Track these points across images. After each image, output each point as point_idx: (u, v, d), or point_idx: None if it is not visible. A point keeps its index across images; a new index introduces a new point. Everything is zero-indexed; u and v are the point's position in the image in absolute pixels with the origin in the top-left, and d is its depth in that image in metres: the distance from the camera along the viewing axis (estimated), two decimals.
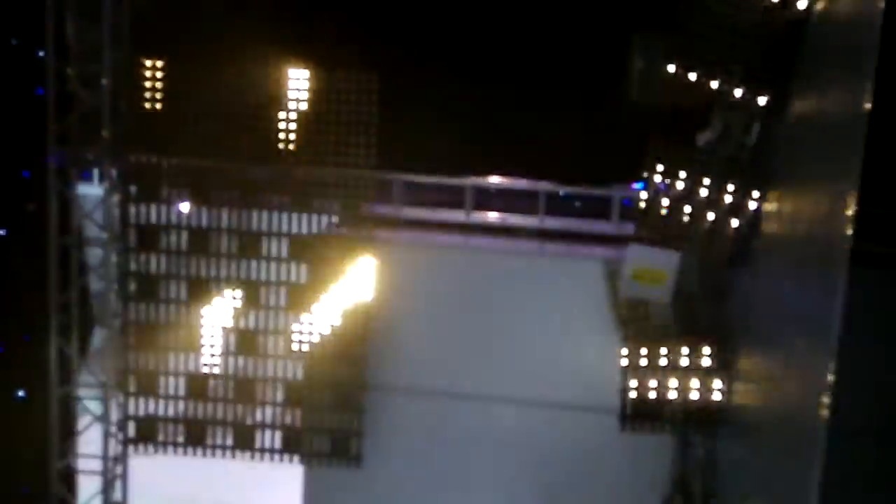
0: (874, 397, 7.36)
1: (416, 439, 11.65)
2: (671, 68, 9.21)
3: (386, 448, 11.44)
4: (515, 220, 12.04)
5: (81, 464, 11.30)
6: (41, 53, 10.37)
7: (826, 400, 6.99)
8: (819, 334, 7.25)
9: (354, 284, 10.89)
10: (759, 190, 9.25)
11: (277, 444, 11.29)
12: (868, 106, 6.68)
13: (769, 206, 9.20)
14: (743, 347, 9.73)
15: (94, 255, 11.08)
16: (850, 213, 6.83)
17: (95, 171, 11.26)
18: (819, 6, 8.32)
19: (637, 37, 9.96)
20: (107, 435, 11.15)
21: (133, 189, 10.87)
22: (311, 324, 10.98)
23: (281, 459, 11.32)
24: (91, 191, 11.22)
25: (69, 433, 11.20)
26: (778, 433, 8.49)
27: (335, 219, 10.89)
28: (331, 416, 11.15)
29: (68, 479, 11.25)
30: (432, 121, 11.04)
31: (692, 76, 9.13)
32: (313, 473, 11.61)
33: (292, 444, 11.27)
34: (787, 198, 8.78)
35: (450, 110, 11.07)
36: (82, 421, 11.31)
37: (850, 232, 6.86)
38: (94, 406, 11.22)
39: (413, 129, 10.98)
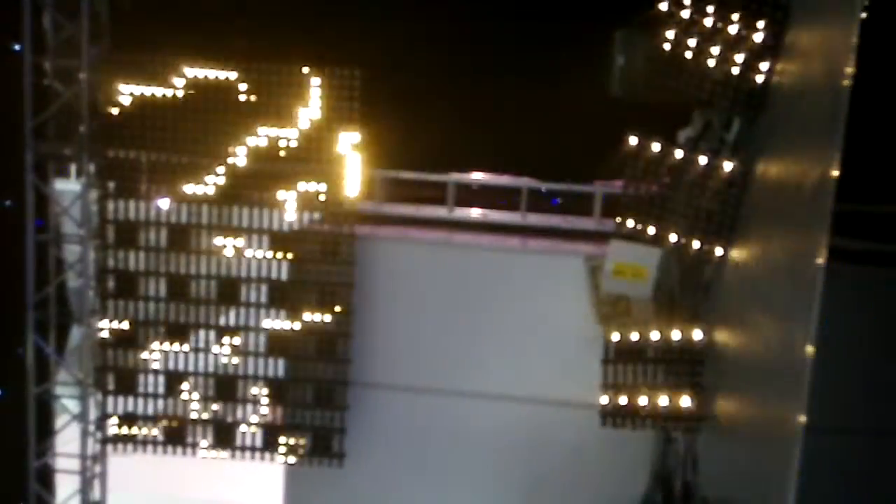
0: (851, 393, 7.43)
1: (399, 436, 11.62)
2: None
3: (368, 445, 11.40)
4: (498, 216, 12.05)
5: (59, 463, 11.19)
6: (17, 47, 10.25)
7: (804, 395, 7.03)
8: (797, 329, 7.29)
9: (336, 280, 10.82)
10: (738, 186, 9.28)
11: (258, 441, 11.22)
12: (846, 101, 6.73)
13: (749, 202, 9.24)
14: (722, 343, 9.77)
15: (71, 251, 10.96)
16: (828, 208, 6.88)
17: (73, 167, 11.16)
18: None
19: (618, 33, 9.97)
20: (85, 433, 11.04)
21: (111, 185, 10.74)
22: (292, 320, 10.93)
23: (262, 457, 11.26)
24: (68, 186, 11.12)
25: (47, 432, 11.09)
26: (757, 429, 8.54)
27: (317, 215, 10.80)
28: (313, 414, 11.09)
29: (46, 478, 11.15)
30: (415, 117, 11.02)
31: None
32: (295, 471, 11.54)
33: (274, 442, 11.20)
34: (766, 193, 8.82)
35: (433, 107, 11.05)
36: (60, 420, 11.20)
37: (827, 228, 6.91)
38: (72, 404, 11.12)
39: (396, 125, 10.94)
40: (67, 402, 11.14)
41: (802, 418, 7.08)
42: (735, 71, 8.90)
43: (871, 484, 8.65)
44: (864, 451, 7.99)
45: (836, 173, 6.77)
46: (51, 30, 10.35)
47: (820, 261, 6.91)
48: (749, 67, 8.85)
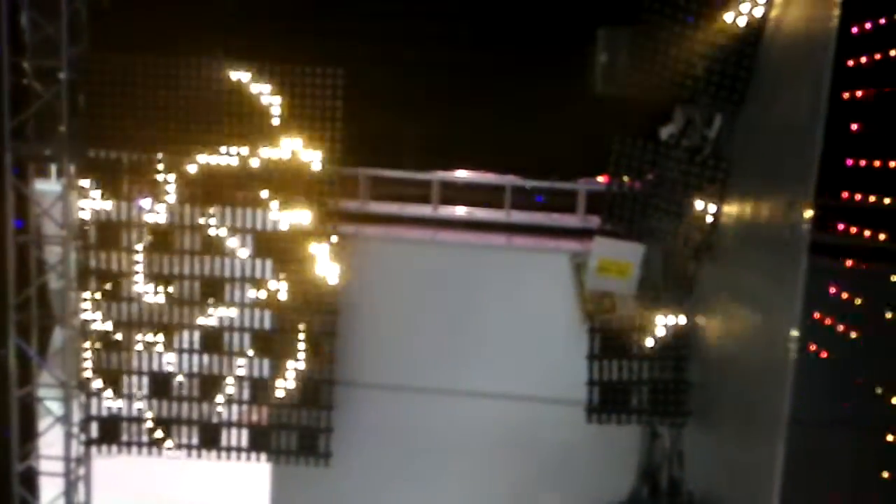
0: (835, 386, 7.50)
1: (386, 435, 11.61)
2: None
3: (355, 444, 11.39)
4: (482, 214, 12.07)
5: (43, 466, 11.11)
6: None
7: (787, 389, 7.08)
8: (781, 324, 7.34)
9: (320, 280, 10.80)
10: (721, 182, 9.35)
11: (244, 442, 11.18)
12: (826, 94, 6.79)
13: (732, 198, 9.30)
14: (707, 339, 9.83)
15: (52, 252, 10.88)
16: (809, 203, 6.93)
17: (53, 167, 11.07)
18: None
19: (601, 31, 10.01)
20: (69, 436, 10.97)
21: (92, 185, 10.65)
22: (277, 320, 10.89)
23: (248, 458, 11.22)
24: (49, 187, 11.04)
25: (30, 435, 11.01)
26: (742, 423, 8.60)
27: (301, 214, 10.76)
28: (298, 413, 11.06)
29: (30, 481, 11.06)
30: (398, 115, 10.99)
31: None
32: (281, 471, 11.51)
33: (259, 442, 11.16)
34: (748, 189, 8.88)
35: (416, 105, 11.04)
36: (43, 422, 11.12)
37: (809, 222, 6.96)
38: (56, 406, 11.03)
39: (379, 124, 10.92)
40: (50, 405, 11.06)
41: (786, 411, 7.14)
42: (715, 67, 8.97)
43: (855, 477, 8.72)
44: (848, 444, 8.05)
45: (817, 166, 6.83)
46: (29, 29, 10.26)
47: (803, 255, 6.97)
48: (729, 64, 8.92)
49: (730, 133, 9.34)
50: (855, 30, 6.89)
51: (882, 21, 6.69)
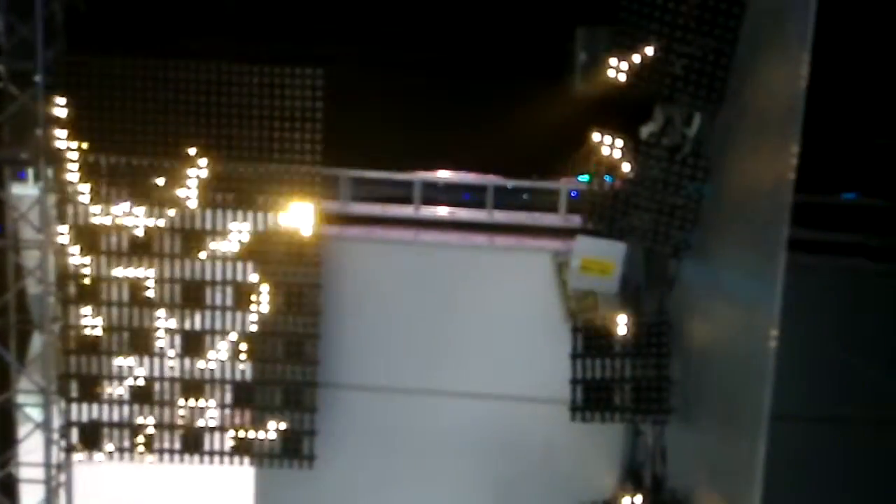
0: (813, 381, 7.57)
1: (369, 436, 11.59)
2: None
3: (338, 446, 11.35)
4: (465, 213, 12.07)
5: (23, 472, 11.01)
6: None
7: (766, 385, 7.14)
8: (761, 320, 7.39)
9: (302, 281, 10.75)
10: (701, 180, 9.40)
11: (227, 446, 11.11)
12: (803, 94, 6.84)
13: (711, 195, 9.35)
14: (689, 336, 9.88)
15: (31, 257, 10.77)
16: (787, 200, 6.99)
17: (30, 171, 10.97)
18: None
19: (580, 30, 10.04)
20: (49, 442, 10.86)
21: (70, 189, 10.55)
22: (259, 322, 10.84)
23: (231, 462, 11.16)
24: (26, 191, 10.94)
25: (10, 441, 10.90)
26: (724, 419, 8.65)
27: (282, 216, 10.71)
28: (281, 416, 11.01)
29: (10, 488, 10.95)
30: (378, 116, 10.97)
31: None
32: (265, 474, 11.45)
33: (242, 446, 11.10)
34: (727, 187, 8.94)
35: (396, 105, 11.03)
36: (23, 428, 11.01)
37: (787, 219, 7.02)
38: (36, 413, 10.93)
39: (359, 124, 10.90)
40: (30, 411, 10.95)
41: (767, 407, 7.19)
42: (694, 66, 9.01)
43: (836, 471, 8.80)
44: (829, 438, 8.14)
45: (794, 165, 6.89)
46: (4, 31, 10.15)
47: (781, 252, 7.02)
48: (708, 63, 8.96)
49: (710, 131, 9.38)
50: (831, 30, 6.94)
51: (856, 18, 6.75)
